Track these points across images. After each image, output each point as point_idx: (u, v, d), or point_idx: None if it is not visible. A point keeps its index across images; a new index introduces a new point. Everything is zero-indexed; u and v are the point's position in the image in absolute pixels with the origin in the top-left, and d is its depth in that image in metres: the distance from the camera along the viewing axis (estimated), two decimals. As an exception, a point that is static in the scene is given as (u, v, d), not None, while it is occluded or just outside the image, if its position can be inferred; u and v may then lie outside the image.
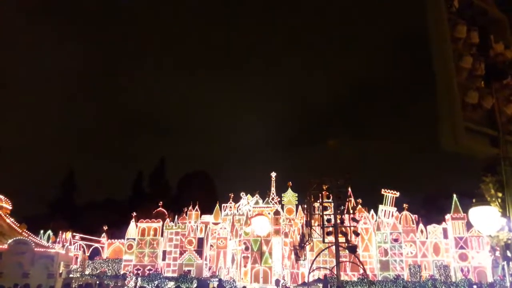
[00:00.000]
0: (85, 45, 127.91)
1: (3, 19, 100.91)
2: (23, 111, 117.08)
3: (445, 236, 39.75)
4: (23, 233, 35.20)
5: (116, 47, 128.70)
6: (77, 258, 42.08)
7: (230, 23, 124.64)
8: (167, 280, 36.87)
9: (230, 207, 44.12)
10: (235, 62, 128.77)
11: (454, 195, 40.08)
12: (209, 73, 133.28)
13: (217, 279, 36.40)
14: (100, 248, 46.05)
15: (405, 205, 41.03)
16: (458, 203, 39.50)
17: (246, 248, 38.19)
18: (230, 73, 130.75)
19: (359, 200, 41.41)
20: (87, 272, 39.78)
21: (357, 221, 20.45)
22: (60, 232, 43.11)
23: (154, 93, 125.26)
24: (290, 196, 42.42)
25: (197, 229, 41.91)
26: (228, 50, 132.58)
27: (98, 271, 39.58)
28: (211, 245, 42.71)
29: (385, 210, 40.88)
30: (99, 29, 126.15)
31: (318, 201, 19.94)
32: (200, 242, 41.37)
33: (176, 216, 43.68)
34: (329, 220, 18.10)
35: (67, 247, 38.29)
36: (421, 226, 40.34)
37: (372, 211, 41.77)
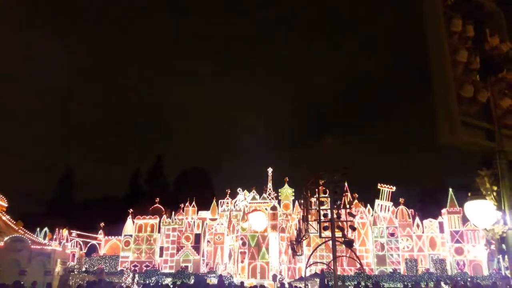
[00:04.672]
0: (84, 43, 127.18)
1: (2, 16, 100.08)
2: (21, 109, 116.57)
3: (441, 230, 39.98)
4: (20, 230, 35.11)
5: (116, 45, 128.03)
6: (74, 255, 42.05)
7: (229, 23, 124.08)
8: (164, 277, 36.92)
9: (227, 203, 44.17)
10: (235, 62, 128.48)
11: (450, 189, 40.31)
12: (207, 71, 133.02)
13: (214, 275, 36.54)
14: (97, 245, 46.04)
15: (401, 200, 41.24)
16: (454, 197, 39.72)
17: (243, 244, 38.28)
18: (230, 73, 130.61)
19: (356, 195, 41.57)
20: (84, 269, 39.77)
21: (354, 216, 20.48)
22: (57, 229, 43.03)
23: (152, 91, 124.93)
24: (286, 192, 42.44)
25: (194, 225, 41.96)
26: (228, 50, 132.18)
27: (95, 268, 39.57)
28: (208, 241, 42.79)
29: (382, 205, 41.06)
30: (99, 28, 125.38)
31: (315, 196, 19.94)
32: (197, 238, 41.45)
33: (173, 212, 43.70)
34: (325, 215, 18.11)
35: (63, 244, 38.24)
36: (417, 220, 40.56)
37: (368, 206, 41.96)
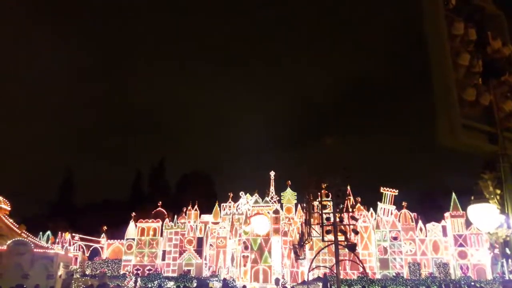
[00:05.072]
0: (85, 44, 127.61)
1: (3, 17, 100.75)
2: (22, 111, 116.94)
3: (444, 234, 39.81)
4: (22, 234, 35.13)
5: (116, 45, 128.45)
6: (76, 258, 42.05)
7: (229, 23, 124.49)
8: (166, 280, 36.87)
9: (230, 207, 44.13)
10: (235, 62, 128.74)
11: (453, 193, 40.16)
12: (207, 71, 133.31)
13: (217, 279, 36.51)
14: (100, 249, 46.00)
15: (404, 203, 41.08)
16: (457, 200, 39.56)
17: (246, 248, 38.20)
18: (230, 73, 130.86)
19: (358, 198, 41.47)
20: (86, 273, 39.74)
21: (356, 220, 20.45)
22: (59, 232, 43.07)
23: (152, 91, 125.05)
24: (289, 195, 42.43)
25: (196, 228, 41.90)
26: (228, 50, 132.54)
27: (98, 271, 39.54)
28: (210, 245, 42.72)
29: (384, 208, 40.92)
30: (99, 28, 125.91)
31: (317, 200, 19.95)
32: (200, 241, 41.38)
33: (176, 216, 43.66)
34: (328, 219, 18.10)
35: (66, 248, 38.26)
36: (420, 224, 40.40)
37: (371, 209, 41.81)
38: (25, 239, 33.93)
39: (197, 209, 43.42)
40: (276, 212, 39.50)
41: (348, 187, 33.99)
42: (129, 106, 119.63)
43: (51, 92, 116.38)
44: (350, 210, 20.65)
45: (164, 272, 40.18)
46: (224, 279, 30.94)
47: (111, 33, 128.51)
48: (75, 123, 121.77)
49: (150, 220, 43.68)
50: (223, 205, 44.72)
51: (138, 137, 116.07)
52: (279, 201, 41.96)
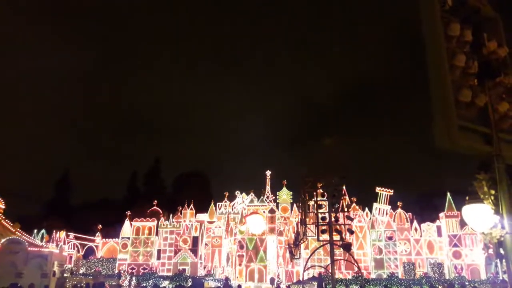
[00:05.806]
0: (85, 44, 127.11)
1: (2, 18, 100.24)
2: (19, 111, 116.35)
3: (439, 234, 39.98)
4: (17, 232, 34.98)
5: (117, 46, 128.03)
6: (71, 257, 41.88)
7: (229, 23, 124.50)
8: (161, 279, 36.81)
9: (225, 206, 44.11)
10: (235, 62, 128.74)
11: (448, 193, 40.32)
12: (205, 73, 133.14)
13: (212, 278, 36.51)
14: (95, 247, 45.85)
15: (399, 203, 41.20)
16: (452, 201, 39.73)
17: (241, 247, 38.19)
18: (227, 73, 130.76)
19: (354, 198, 41.53)
20: (81, 272, 39.60)
21: (352, 219, 20.51)
22: (54, 231, 42.87)
23: (152, 91, 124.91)
24: (285, 195, 42.45)
25: (192, 227, 41.85)
26: (228, 50, 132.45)
27: (92, 270, 39.41)
28: (206, 244, 42.68)
29: (380, 208, 41.03)
30: (99, 28, 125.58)
31: (313, 199, 20.00)
32: (195, 240, 41.32)
33: (171, 215, 43.59)
34: (323, 218, 18.13)
35: (61, 247, 38.11)
36: (415, 224, 40.54)
37: (366, 209, 41.91)
38: (20, 238, 33.79)
39: (193, 208, 43.39)
40: (271, 211, 39.51)
41: (344, 187, 34.17)
42: (128, 106, 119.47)
43: (51, 92, 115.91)
44: (346, 209, 20.73)
45: (159, 271, 40.10)
46: (226, 278, 30.91)
47: (111, 33, 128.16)
48: (75, 123, 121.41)
49: (146, 219, 43.56)
50: (218, 204, 44.71)
51: (138, 137, 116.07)
52: (275, 200, 41.97)
